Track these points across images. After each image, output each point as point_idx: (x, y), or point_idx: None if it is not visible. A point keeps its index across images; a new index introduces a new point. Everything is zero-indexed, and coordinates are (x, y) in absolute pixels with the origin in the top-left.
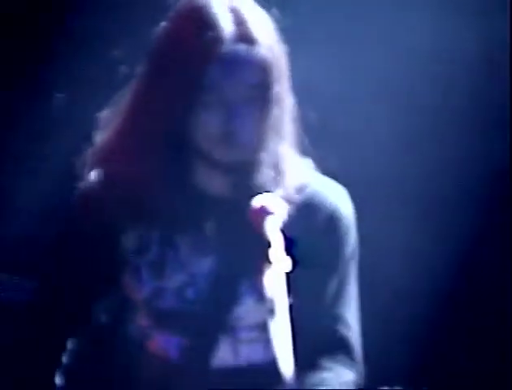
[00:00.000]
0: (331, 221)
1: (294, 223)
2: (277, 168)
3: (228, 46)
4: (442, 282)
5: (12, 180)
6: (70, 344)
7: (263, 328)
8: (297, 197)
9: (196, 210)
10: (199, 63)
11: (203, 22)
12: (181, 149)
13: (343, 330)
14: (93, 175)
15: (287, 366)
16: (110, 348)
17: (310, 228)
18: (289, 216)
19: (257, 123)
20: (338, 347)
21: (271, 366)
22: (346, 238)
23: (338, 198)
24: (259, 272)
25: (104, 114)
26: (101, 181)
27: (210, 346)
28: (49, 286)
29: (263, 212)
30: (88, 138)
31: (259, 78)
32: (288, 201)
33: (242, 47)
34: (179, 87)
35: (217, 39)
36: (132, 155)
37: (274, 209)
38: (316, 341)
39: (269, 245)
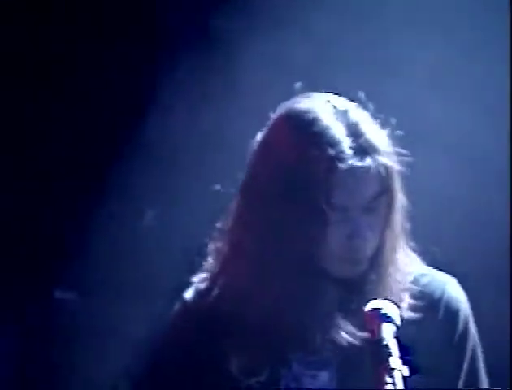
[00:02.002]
0: (452, 313)
1: (410, 324)
2: (392, 269)
3: (350, 161)
4: None
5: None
6: None
7: None
8: (414, 289)
9: (308, 326)
10: (324, 182)
11: (320, 137)
12: (308, 271)
13: None
14: (204, 288)
15: None
16: None
17: (429, 325)
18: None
19: (378, 233)
20: None
21: None
22: (469, 332)
23: (454, 288)
24: (378, 382)
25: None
26: (217, 295)
27: None
28: None
29: (378, 318)
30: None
31: (382, 187)
32: (403, 298)
33: (363, 159)
34: (306, 208)
35: (339, 156)
36: (260, 277)
37: (389, 314)
38: None
39: (387, 353)
